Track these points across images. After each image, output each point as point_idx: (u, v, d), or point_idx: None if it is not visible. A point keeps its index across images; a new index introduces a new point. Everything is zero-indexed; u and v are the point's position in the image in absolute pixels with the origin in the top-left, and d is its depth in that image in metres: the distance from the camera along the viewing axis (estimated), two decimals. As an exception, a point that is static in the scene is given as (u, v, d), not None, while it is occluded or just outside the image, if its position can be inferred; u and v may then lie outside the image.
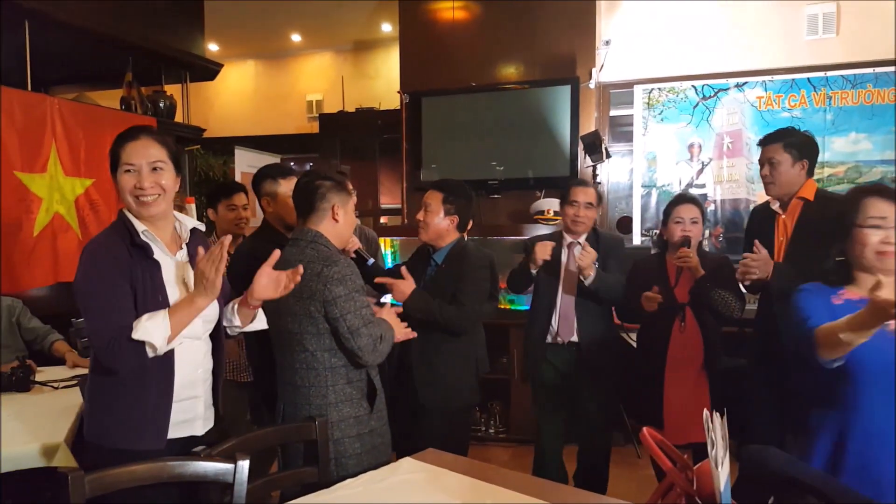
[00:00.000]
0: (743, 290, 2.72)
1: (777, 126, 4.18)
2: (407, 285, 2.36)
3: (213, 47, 6.86)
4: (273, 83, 7.42)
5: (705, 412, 1.15)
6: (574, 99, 4.47)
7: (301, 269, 1.74)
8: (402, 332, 2.09)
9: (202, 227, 1.85)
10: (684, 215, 2.64)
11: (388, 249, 4.68)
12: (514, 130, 4.61)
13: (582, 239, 2.82)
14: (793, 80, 4.27)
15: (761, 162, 2.55)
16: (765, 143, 2.56)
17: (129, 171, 1.68)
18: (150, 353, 1.59)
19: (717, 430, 1.14)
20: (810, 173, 2.52)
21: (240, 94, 7.54)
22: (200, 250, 1.65)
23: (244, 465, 1.59)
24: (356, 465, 1.89)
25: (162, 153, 1.71)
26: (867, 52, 4.14)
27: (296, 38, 6.91)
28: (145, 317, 1.60)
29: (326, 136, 6.53)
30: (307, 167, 7.21)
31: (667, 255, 2.73)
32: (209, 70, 5.17)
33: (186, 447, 1.70)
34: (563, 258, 2.83)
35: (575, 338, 2.78)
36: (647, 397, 2.66)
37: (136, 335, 1.57)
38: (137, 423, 1.64)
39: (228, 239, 1.65)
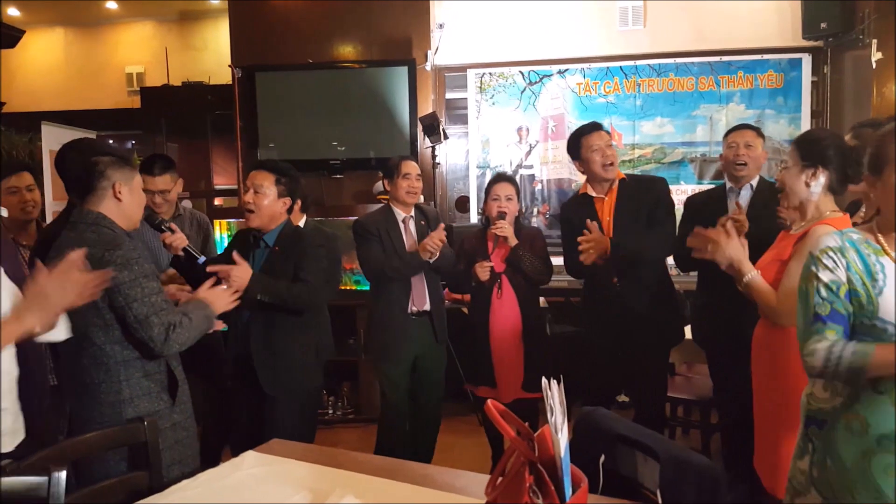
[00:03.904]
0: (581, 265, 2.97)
1: (595, 110, 4.61)
2: (243, 270, 2.25)
3: (13, 12, 6.07)
4: (86, 53, 6.66)
5: (543, 380, 1.18)
6: (411, 80, 4.52)
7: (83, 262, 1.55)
8: (227, 301, 1.99)
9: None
10: (500, 193, 2.87)
11: (224, 233, 4.44)
12: (353, 110, 4.56)
13: (412, 213, 2.95)
14: (607, 68, 4.66)
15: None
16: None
17: None
18: None
19: (554, 396, 1.15)
20: None
21: (47, 65, 6.70)
22: (39, 264, 1.45)
23: (60, 476, 1.44)
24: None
25: None
26: (669, 43, 4.62)
27: (111, 5, 6.26)
28: None
29: (149, 111, 6.01)
30: (129, 145, 6.60)
31: (488, 229, 2.92)
32: (8, 37, 4.57)
33: None
34: (403, 234, 2.91)
35: (427, 307, 2.90)
36: (481, 361, 2.88)
37: None
38: None
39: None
